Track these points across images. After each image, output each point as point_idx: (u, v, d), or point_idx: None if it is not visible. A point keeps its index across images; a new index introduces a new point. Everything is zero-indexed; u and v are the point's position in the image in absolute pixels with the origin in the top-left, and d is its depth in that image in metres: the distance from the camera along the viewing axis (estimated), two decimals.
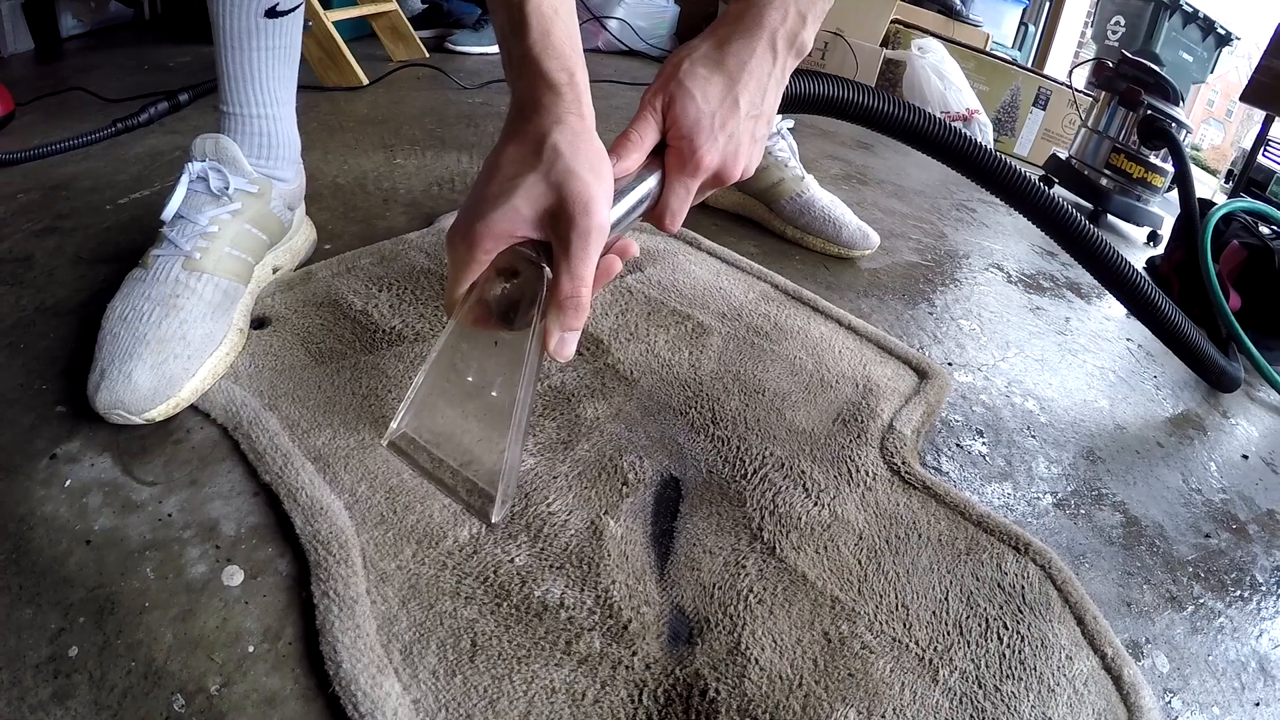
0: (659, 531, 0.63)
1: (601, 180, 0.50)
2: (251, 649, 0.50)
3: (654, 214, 0.60)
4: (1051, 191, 0.96)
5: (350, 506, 0.58)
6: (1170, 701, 0.63)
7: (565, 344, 0.53)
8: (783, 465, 0.72)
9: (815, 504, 0.69)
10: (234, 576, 0.53)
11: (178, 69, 1.75)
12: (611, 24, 2.67)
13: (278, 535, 0.56)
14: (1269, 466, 1.10)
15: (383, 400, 0.69)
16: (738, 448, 0.73)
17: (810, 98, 0.74)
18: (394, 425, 0.62)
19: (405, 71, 1.93)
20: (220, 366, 0.69)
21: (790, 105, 0.70)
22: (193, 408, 0.66)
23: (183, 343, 0.65)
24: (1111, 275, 1.00)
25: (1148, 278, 1.05)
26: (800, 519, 0.67)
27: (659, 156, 0.58)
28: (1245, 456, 1.09)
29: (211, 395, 0.67)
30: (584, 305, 0.52)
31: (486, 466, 0.59)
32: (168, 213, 0.71)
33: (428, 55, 2.09)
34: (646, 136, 0.57)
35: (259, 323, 0.77)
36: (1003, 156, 0.91)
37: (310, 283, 0.84)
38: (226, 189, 0.73)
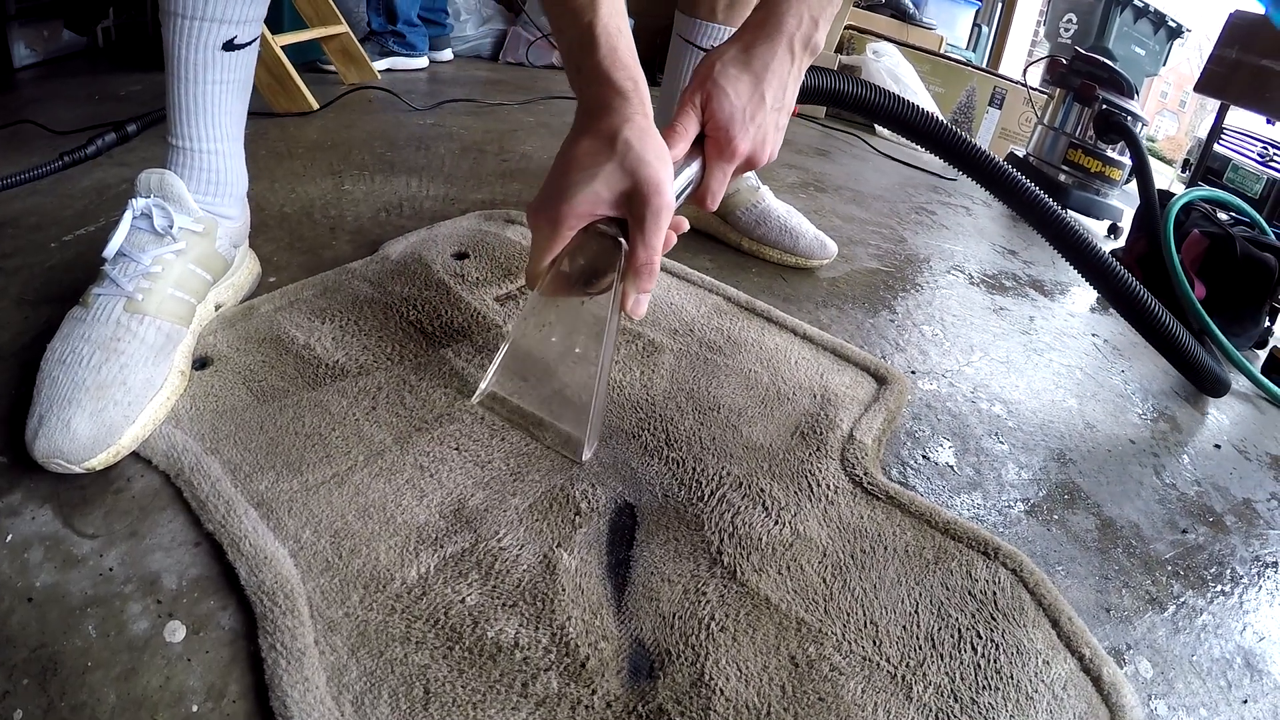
0: (615, 561, 0.63)
1: (666, 166, 0.61)
2: (195, 708, 0.49)
3: (697, 195, 0.72)
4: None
5: (295, 554, 0.57)
6: (1156, 708, 0.63)
7: (640, 304, 0.65)
8: (741, 484, 0.72)
9: (776, 522, 0.68)
10: (176, 632, 0.53)
11: (129, 98, 1.73)
12: None
13: (220, 587, 0.56)
14: (1242, 454, 1.11)
15: (326, 439, 0.68)
16: (693, 469, 0.73)
17: (821, 90, 0.90)
18: (483, 386, 0.73)
19: (357, 94, 1.93)
20: (161, 411, 0.68)
21: (805, 97, 0.83)
22: (134, 455, 0.65)
23: (123, 388, 0.65)
24: (1108, 284, 1.07)
25: (1146, 291, 1.09)
26: (761, 539, 0.66)
27: (699, 145, 0.70)
28: (1218, 446, 1.11)
29: (152, 441, 0.66)
30: (656, 270, 0.64)
31: (572, 413, 0.70)
32: (109, 250, 0.71)
33: (379, 76, 2.09)
34: (689, 128, 0.69)
35: (201, 363, 0.76)
36: (992, 154, 1.02)
37: (252, 318, 0.83)
38: (170, 227, 0.73)
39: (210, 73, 0.75)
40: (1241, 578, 0.84)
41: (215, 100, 0.76)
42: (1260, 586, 0.84)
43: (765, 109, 0.70)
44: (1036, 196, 1.04)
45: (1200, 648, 0.71)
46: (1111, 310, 1.47)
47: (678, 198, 0.66)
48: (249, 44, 0.77)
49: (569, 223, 0.62)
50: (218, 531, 0.58)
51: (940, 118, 0.99)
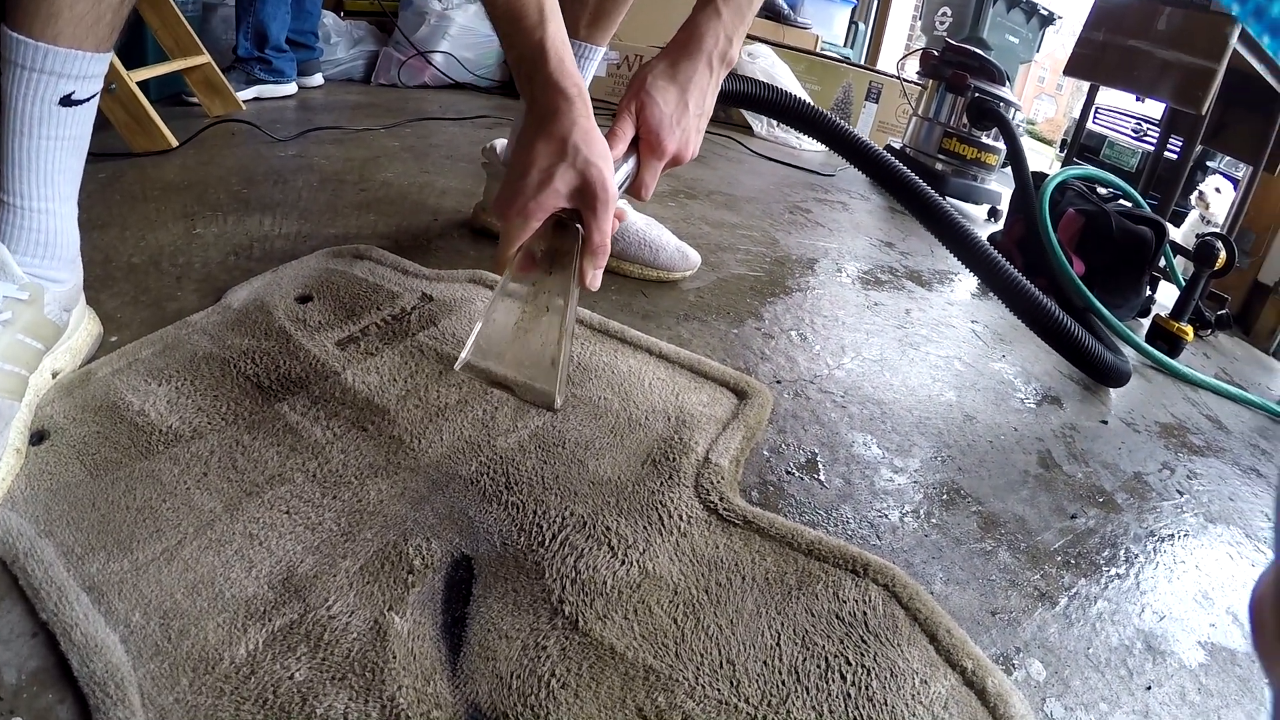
0: (450, 621, 0.59)
1: (608, 165, 0.74)
2: None
3: (633, 188, 0.84)
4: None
5: (126, 639, 0.55)
6: (1051, 710, 0.62)
7: (596, 278, 0.77)
8: (585, 524, 0.68)
9: (622, 563, 0.64)
10: None
11: None
12: (437, 58, 2.67)
13: (57, 678, 0.54)
14: (1130, 427, 1.12)
15: (157, 512, 0.65)
16: (534, 512, 0.69)
17: (734, 94, 1.09)
18: (463, 356, 0.83)
19: (220, 127, 1.85)
20: None
21: (723, 100, 0.98)
22: None
23: None
24: (992, 276, 1.14)
25: (1036, 289, 1.13)
26: (606, 583, 0.62)
27: (634, 145, 0.83)
28: (1105, 421, 1.12)
29: None
30: (608, 249, 0.76)
31: (542, 372, 0.82)
32: None
33: (244, 107, 2.01)
34: (627, 131, 0.81)
35: (38, 437, 0.72)
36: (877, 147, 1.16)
37: (89, 384, 0.80)
38: None
39: (45, 127, 0.74)
40: (1137, 556, 0.83)
41: (49, 157, 0.75)
42: (1157, 563, 0.84)
43: (689, 115, 0.84)
44: (930, 195, 1.15)
45: (1096, 638, 0.70)
46: (991, 295, 1.48)
47: (619, 189, 0.79)
48: (88, 100, 0.76)
49: (536, 216, 0.73)
50: (51, 620, 0.56)
51: (833, 116, 1.16)
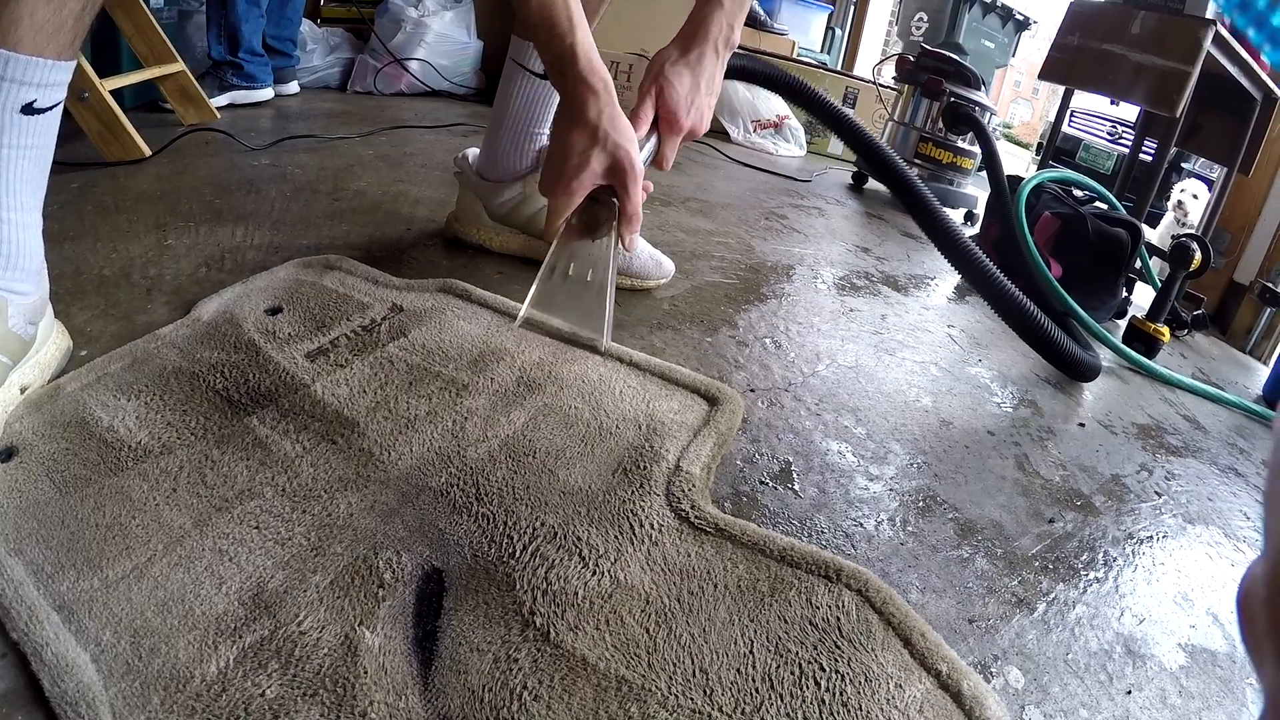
0: (421, 635, 0.59)
1: (634, 144, 0.90)
2: None
3: (656, 161, 0.98)
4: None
5: (97, 658, 0.55)
6: (1029, 717, 0.62)
7: (633, 242, 0.96)
8: (555, 535, 0.68)
9: (594, 573, 0.65)
10: None
11: None
12: (413, 65, 2.67)
13: (28, 699, 0.54)
14: (1107, 429, 1.13)
15: (126, 529, 0.65)
16: (504, 523, 0.69)
17: (736, 69, 1.19)
18: (523, 312, 1.00)
19: (194, 136, 1.83)
20: None
21: (728, 75, 1.12)
22: None
23: None
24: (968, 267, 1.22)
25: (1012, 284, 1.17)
26: (577, 594, 0.63)
27: (654, 124, 0.97)
28: (1082, 424, 1.13)
29: None
30: (640, 216, 0.94)
31: (590, 321, 0.98)
32: None
33: (218, 115, 2.00)
34: (648, 112, 0.96)
35: (7, 454, 0.72)
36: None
37: (58, 399, 0.79)
38: None
39: (7, 136, 0.73)
40: (1115, 560, 0.84)
41: (11, 166, 0.74)
42: (1136, 565, 0.84)
43: (701, 95, 0.98)
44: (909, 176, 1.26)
45: (1075, 644, 0.70)
46: (968, 299, 1.50)
47: (645, 163, 0.94)
48: (51, 108, 0.75)
49: (579, 192, 0.89)
50: (22, 640, 0.56)
51: (823, 92, 1.30)
